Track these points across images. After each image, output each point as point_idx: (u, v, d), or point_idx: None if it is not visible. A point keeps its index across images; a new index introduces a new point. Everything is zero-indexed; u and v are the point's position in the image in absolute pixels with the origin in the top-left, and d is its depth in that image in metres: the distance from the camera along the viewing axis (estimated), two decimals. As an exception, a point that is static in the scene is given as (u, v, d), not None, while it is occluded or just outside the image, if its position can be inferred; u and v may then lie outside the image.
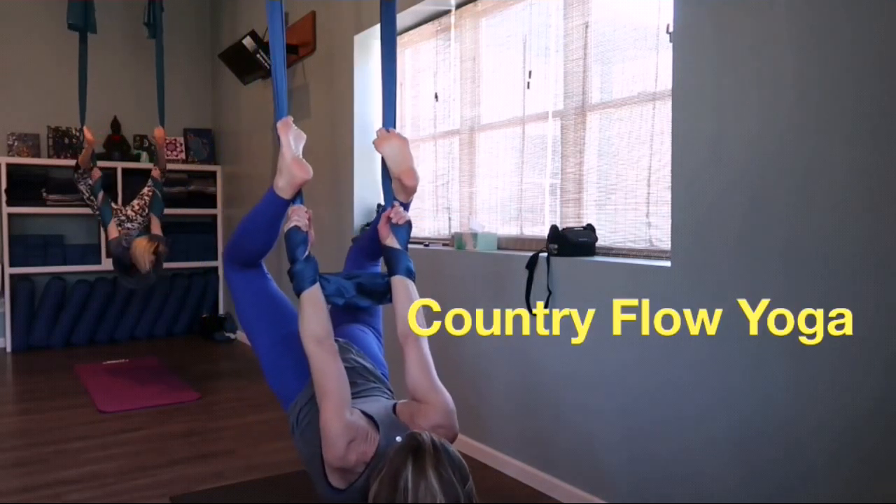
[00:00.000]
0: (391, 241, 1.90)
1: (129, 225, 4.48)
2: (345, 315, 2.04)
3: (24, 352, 5.46)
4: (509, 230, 3.24)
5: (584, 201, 2.83)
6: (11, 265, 5.42)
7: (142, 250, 4.05)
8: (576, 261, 2.63)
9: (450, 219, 3.64)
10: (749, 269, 2.02)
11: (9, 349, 5.45)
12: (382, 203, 2.08)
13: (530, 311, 2.76)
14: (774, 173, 1.96)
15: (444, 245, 3.57)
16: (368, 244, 2.11)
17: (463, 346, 3.22)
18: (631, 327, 2.40)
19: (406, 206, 1.96)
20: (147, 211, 4.54)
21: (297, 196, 1.86)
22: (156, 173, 4.62)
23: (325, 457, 1.56)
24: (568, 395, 2.67)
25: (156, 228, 4.48)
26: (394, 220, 1.91)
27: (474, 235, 3.20)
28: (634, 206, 2.61)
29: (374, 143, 1.99)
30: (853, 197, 1.79)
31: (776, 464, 1.98)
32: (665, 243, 2.40)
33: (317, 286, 1.77)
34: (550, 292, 2.69)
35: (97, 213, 4.44)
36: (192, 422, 3.70)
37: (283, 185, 1.82)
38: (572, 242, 2.65)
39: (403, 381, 1.73)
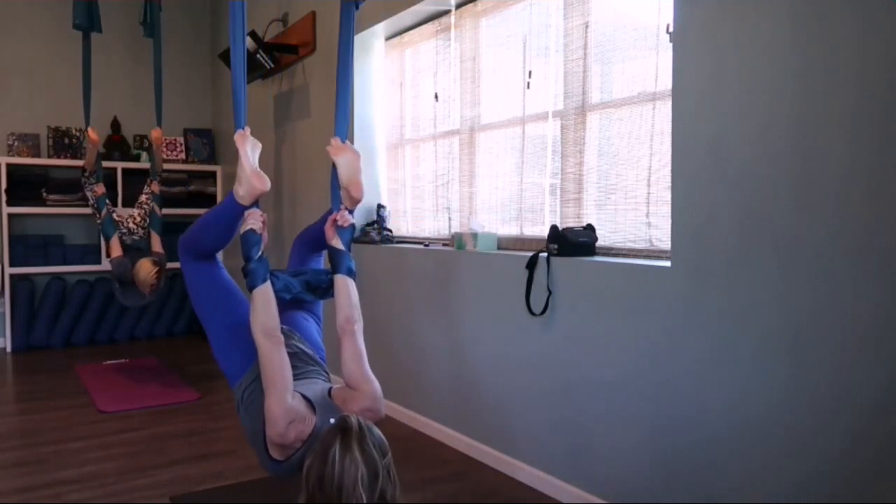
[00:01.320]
0: (336, 243, 2.07)
1: (132, 237, 4.50)
2: (290, 303, 2.18)
3: (24, 352, 5.47)
4: (509, 230, 3.24)
5: (584, 201, 2.83)
6: (11, 265, 5.41)
7: (145, 274, 4.08)
8: (576, 261, 2.63)
9: (450, 219, 3.64)
10: (749, 269, 2.02)
11: (9, 349, 5.46)
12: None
13: (530, 311, 2.76)
14: (774, 173, 1.96)
15: (444, 245, 3.57)
16: (312, 240, 2.29)
17: (464, 347, 3.23)
18: (630, 327, 2.41)
19: (351, 212, 2.13)
20: (148, 222, 4.55)
21: (255, 203, 2.00)
22: (154, 188, 4.64)
23: (268, 434, 1.76)
24: (567, 395, 2.67)
25: (156, 244, 4.51)
26: (339, 223, 2.08)
27: (474, 235, 3.20)
28: (634, 206, 2.61)
29: (328, 150, 2.13)
30: (853, 196, 1.79)
31: (776, 464, 1.98)
32: (665, 243, 2.41)
33: (268, 283, 1.93)
34: (550, 292, 2.69)
35: (99, 224, 4.46)
36: (192, 422, 3.70)
37: (243, 195, 1.97)
38: (572, 242, 2.65)
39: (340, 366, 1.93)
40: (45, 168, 5.62)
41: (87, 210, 4.70)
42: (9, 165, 5.40)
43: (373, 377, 1.89)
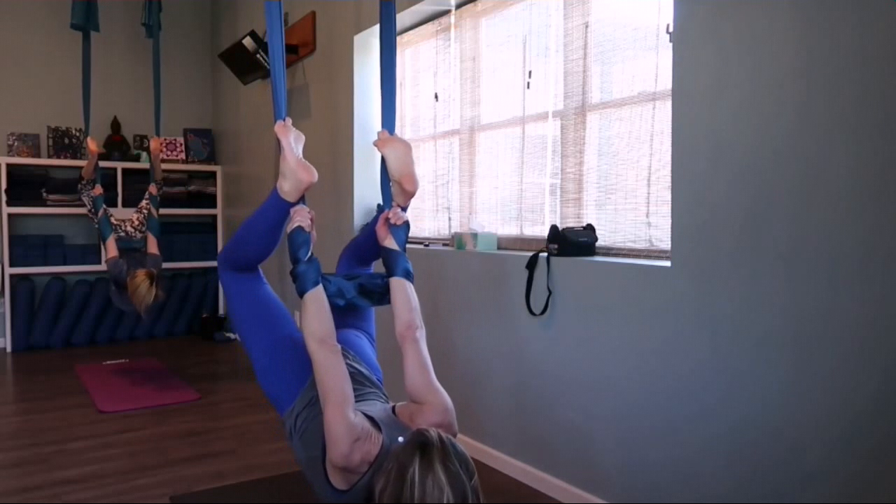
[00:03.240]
0: (389, 243, 1.90)
1: (130, 241, 4.49)
2: (338, 319, 2.01)
3: (24, 352, 5.46)
4: (509, 230, 3.24)
5: (584, 201, 2.83)
6: (11, 265, 5.41)
7: (144, 293, 4.04)
8: (576, 261, 2.63)
9: (450, 219, 3.64)
10: (749, 269, 2.02)
11: (9, 349, 5.45)
12: (381, 204, 2.09)
13: (530, 311, 2.76)
14: (775, 173, 1.96)
15: (444, 245, 3.57)
16: (360, 249, 2.12)
17: (464, 347, 3.23)
18: (630, 327, 2.41)
19: (404, 209, 1.96)
20: (145, 227, 4.55)
21: (301, 198, 1.86)
22: (153, 189, 4.65)
23: (330, 456, 1.54)
24: (567, 395, 2.67)
25: (152, 246, 4.53)
26: (392, 221, 1.92)
27: (474, 235, 3.20)
28: (634, 206, 2.61)
29: (375, 143, 1.98)
30: (854, 196, 1.79)
31: (776, 464, 1.98)
32: (665, 243, 2.41)
33: (320, 287, 1.77)
34: (550, 292, 2.69)
35: (97, 226, 4.47)
36: (192, 422, 3.70)
37: (289, 189, 1.81)
38: (572, 242, 2.65)
39: (401, 382, 1.74)
40: (45, 168, 5.62)
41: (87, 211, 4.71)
42: (9, 165, 5.40)
43: (440, 388, 1.69)
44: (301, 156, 1.85)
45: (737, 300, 2.06)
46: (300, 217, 1.81)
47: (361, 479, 1.53)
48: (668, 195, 2.33)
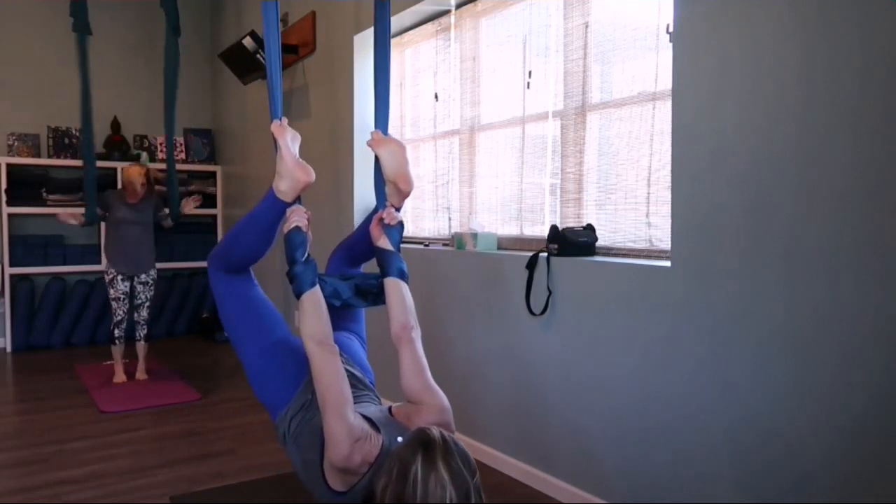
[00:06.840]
0: (384, 243, 1.90)
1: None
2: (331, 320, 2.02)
3: (24, 352, 5.47)
4: (509, 230, 3.24)
5: (584, 201, 2.83)
6: (11, 265, 5.42)
7: (134, 175, 4.39)
8: (576, 261, 2.63)
9: (450, 219, 3.64)
10: (749, 269, 2.02)
11: (9, 349, 5.46)
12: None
13: (530, 311, 2.76)
14: (775, 173, 1.96)
15: (444, 245, 3.57)
16: (353, 250, 2.10)
17: (464, 347, 3.22)
18: (630, 327, 2.41)
19: (398, 209, 1.95)
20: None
21: (297, 198, 1.85)
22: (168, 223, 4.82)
23: (330, 457, 1.53)
24: (567, 395, 2.67)
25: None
26: (386, 221, 1.91)
27: (474, 235, 3.20)
28: (634, 206, 2.61)
29: (368, 143, 1.97)
30: (856, 196, 1.79)
31: (775, 463, 1.98)
32: (665, 243, 2.41)
33: (317, 288, 1.76)
34: (550, 292, 2.69)
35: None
36: (192, 422, 3.70)
37: (286, 189, 1.79)
38: (572, 242, 2.65)
39: (395, 383, 1.73)
40: (45, 168, 5.63)
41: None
42: (9, 165, 5.41)
43: (437, 388, 1.67)
44: (298, 155, 1.84)
45: (736, 300, 2.06)
46: (297, 217, 1.79)
47: (361, 479, 1.52)
48: (668, 195, 2.33)
